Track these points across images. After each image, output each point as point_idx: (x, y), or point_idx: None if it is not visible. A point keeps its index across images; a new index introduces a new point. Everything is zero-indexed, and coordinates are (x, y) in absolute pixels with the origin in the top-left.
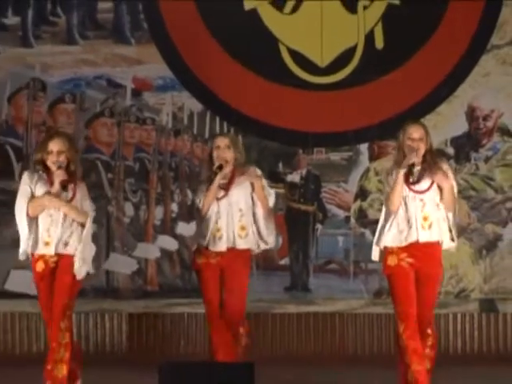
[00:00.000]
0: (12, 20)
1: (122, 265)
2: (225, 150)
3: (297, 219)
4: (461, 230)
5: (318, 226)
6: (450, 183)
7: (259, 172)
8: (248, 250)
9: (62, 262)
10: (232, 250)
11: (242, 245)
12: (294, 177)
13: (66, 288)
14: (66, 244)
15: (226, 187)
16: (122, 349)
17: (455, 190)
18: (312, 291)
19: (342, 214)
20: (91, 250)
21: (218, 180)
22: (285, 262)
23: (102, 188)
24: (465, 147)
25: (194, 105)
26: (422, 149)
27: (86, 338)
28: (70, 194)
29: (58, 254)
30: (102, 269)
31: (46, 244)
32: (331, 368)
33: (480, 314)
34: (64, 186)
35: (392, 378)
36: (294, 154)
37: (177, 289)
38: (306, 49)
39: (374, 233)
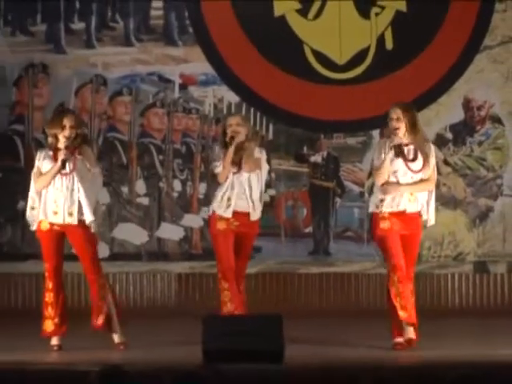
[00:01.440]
0: (78, 25)
1: (171, 232)
2: (237, 127)
3: (319, 194)
4: (458, 203)
5: (337, 200)
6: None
7: (264, 157)
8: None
9: (70, 229)
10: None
11: (255, 216)
12: (317, 158)
13: (84, 246)
14: (71, 214)
15: (239, 163)
16: (171, 303)
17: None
18: (332, 255)
19: (357, 189)
20: (95, 202)
21: (233, 149)
22: (309, 230)
23: (154, 167)
24: (461, 133)
25: (231, 97)
26: (402, 127)
27: (140, 295)
28: (70, 167)
29: (65, 224)
30: (154, 236)
31: (55, 213)
32: (347, 320)
33: (474, 274)
34: (64, 164)
35: None
36: (317, 139)
37: None
38: (327, 49)
39: None
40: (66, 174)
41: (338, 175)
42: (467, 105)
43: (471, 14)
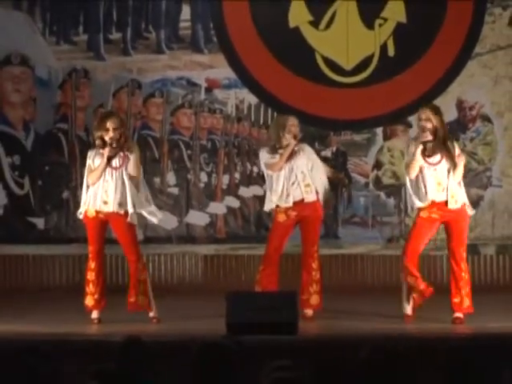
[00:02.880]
0: (115, 36)
1: (198, 218)
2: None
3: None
4: None
5: (345, 190)
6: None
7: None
8: (315, 202)
9: (115, 217)
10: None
11: (308, 198)
12: (327, 153)
13: (126, 234)
14: (120, 205)
15: (291, 156)
16: (198, 282)
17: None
18: (340, 238)
19: (362, 180)
20: (141, 202)
21: (290, 149)
22: None
23: (183, 161)
24: (455, 130)
25: (251, 99)
26: (429, 126)
27: (171, 274)
28: (119, 162)
29: (112, 213)
30: (183, 221)
31: (105, 203)
32: (354, 296)
33: (466, 255)
34: (109, 160)
35: (398, 302)
36: (327, 136)
37: (239, 236)
38: (336, 56)
39: (387, 195)
40: (115, 169)
41: (346, 168)
42: (460, 105)
43: (464, 25)
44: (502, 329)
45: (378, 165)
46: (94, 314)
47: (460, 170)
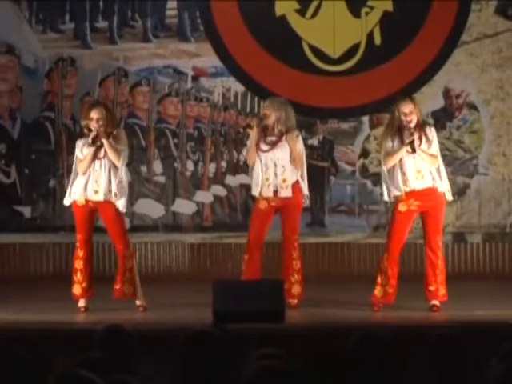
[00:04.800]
0: (101, 24)
1: (184, 207)
2: (264, 110)
3: (315, 173)
4: None
5: (332, 178)
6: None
7: (296, 134)
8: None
9: (104, 205)
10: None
11: (284, 194)
12: (314, 141)
13: (115, 222)
14: (110, 192)
15: (273, 144)
16: (185, 270)
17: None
18: (327, 226)
19: (349, 168)
20: (125, 185)
21: (253, 137)
22: (306, 204)
23: (169, 150)
24: (442, 118)
25: (238, 87)
26: (415, 119)
27: (157, 262)
28: (102, 153)
29: (102, 201)
30: (170, 210)
31: (95, 192)
32: (340, 284)
33: (453, 243)
34: (94, 142)
35: None
36: (313, 124)
37: (225, 225)
38: (322, 44)
39: (373, 183)
40: (101, 158)
41: (333, 156)
42: (447, 94)
43: (450, 14)
44: (489, 316)
45: (364, 153)
46: (81, 303)
47: (428, 156)
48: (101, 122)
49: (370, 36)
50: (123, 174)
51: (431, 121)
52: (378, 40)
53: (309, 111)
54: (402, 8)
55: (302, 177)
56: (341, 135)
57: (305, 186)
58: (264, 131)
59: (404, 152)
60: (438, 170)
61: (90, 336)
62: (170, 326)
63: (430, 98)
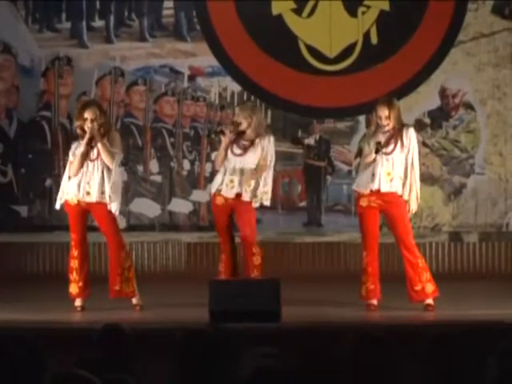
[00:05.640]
0: (98, 23)
1: (181, 206)
2: (237, 118)
3: (312, 172)
4: (435, 180)
5: (328, 177)
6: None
7: (267, 139)
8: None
9: (97, 206)
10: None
11: (246, 198)
12: (310, 140)
13: (109, 223)
14: (102, 194)
15: (245, 148)
16: (182, 269)
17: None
18: (323, 226)
19: (345, 168)
20: (119, 188)
21: (225, 143)
22: (303, 204)
23: (166, 149)
24: (438, 118)
25: (234, 87)
26: (390, 124)
27: (154, 261)
28: (95, 154)
29: (94, 203)
30: (166, 209)
31: (88, 194)
32: (336, 283)
33: (449, 243)
34: (89, 143)
35: (382, 290)
36: (310, 124)
37: None
38: (319, 44)
39: None
40: (94, 160)
41: (329, 156)
42: (443, 93)
43: (447, 13)
44: (486, 316)
45: (360, 153)
46: (78, 302)
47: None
48: (95, 123)
49: (367, 35)
50: (117, 175)
51: (427, 120)
52: (374, 39)
53: (305, 111)
54: (399, 7)
55: (265, 180)
56: (337, 135)
57: (265, 189)
58: (237, 136)
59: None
60: (410, 178)
61: (86, 335)
62: (166, 325)
63: (427, 97)
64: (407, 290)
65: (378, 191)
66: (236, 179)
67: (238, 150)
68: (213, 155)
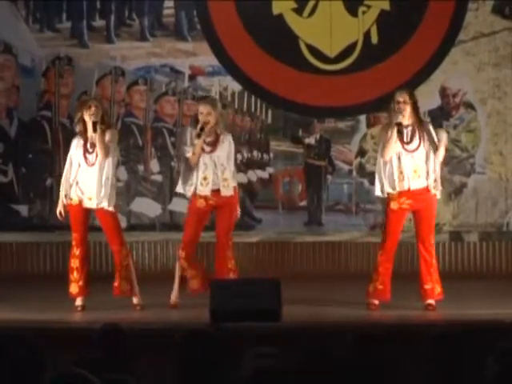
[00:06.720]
0: (98, 23)
1: (181, 206)
2: (207, 116)
3: (312, 172)
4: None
5: (329, 177)
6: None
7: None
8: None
9: (99, 208)
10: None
11: (225, 192)
12: (311, 140)
13: (109, 221)
14: (103, 197)
15: (213, 144)
16: None
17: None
18: (324, 225)
19: (346, 167)
20: (112, 187)
21: (203, 138)
22: (303, 203)
23: (166, 148)
24: (438, 117)
25: (235, 86)
26: (407, 109)
27: (154, 261)
28: (94, 156)
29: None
30: (166, 209)
31: (89, 199)
32: (337, 283)
33: (450, 242)
34: (94, 129)
35: None
36: (311, 123)
37: None
38: (319, 43)
39: (370, 182)
40: (93, 164)
41: (330, 155)
42: (443, 93)
43: (447, 13)
44: (486, 315)
45: (361, 152)
46: (78, 301)
47: (442, 152)
48: (98, 111)
49: (367, 35)
50: (114, 177)
51: (428, 119)
52: (374, 39)
53: (306, 110)
54: (399, 7)
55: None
56: (338, 134)
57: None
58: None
59: (401, 149)
60: (434, 168)
61: (87, 335)
62: (166, 324)
63: (427, 96)
64: (419, 287)
65: (408, 190)
66: (210, 176)
67: (207, 147)
68: (186, 152)
